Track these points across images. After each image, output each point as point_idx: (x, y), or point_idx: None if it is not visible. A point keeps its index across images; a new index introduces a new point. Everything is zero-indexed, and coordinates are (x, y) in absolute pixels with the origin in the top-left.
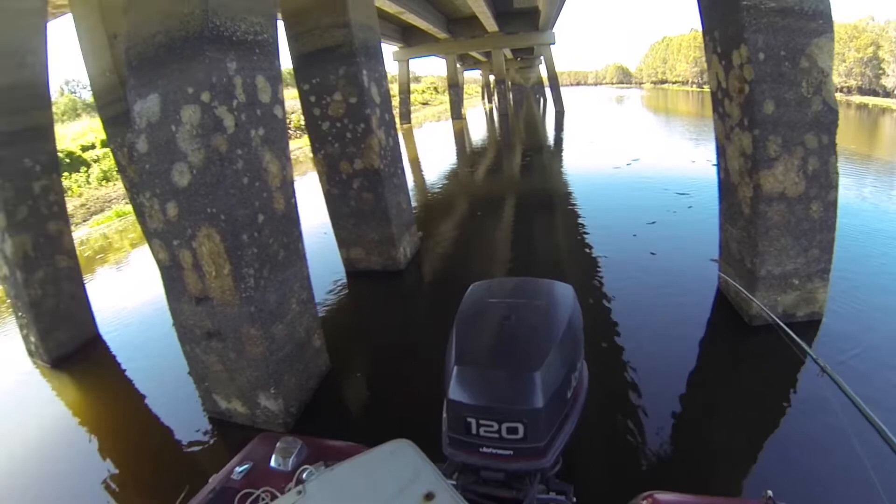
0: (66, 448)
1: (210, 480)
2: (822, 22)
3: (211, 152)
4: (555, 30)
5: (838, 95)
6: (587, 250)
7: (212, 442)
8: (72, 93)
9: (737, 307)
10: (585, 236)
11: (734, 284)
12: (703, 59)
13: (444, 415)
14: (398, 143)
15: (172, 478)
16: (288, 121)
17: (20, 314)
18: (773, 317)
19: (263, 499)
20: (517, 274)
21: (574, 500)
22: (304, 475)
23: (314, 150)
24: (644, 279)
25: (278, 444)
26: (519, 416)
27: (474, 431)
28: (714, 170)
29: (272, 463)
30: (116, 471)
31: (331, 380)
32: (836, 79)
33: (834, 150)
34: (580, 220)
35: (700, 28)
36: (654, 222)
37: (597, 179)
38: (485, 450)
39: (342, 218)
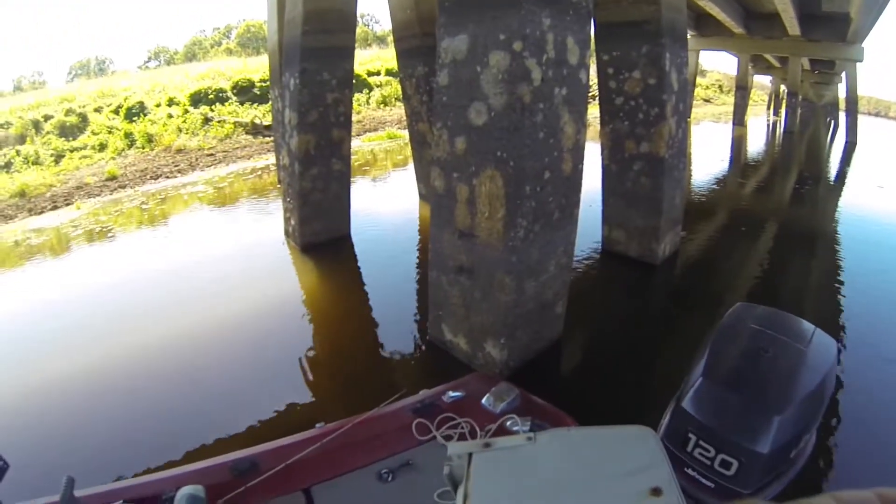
0: (291, 320)
1: (420, 393)
2: None
3: (514, 100)
4: (864, 45)
5: None
6: (844, 305)
7: (423, 364)
8: (365, 25)
9: None
10: (847, 289)
11: None
12: None
13: (665, 420)
14: (686, 135)
15: (377, 375)
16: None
17: (288, 199)
18: None
19: (462, 427)
20: (768, 304)
21: None
22: (509, 423)
23: (602, 121)
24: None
25: (496, 387)
26: (741, 453)
27: (689, 449)
28: None
29: (483, 401)
30: (327, 354)
31: (558, 348)
32: None
33: None
34: (846, 269)
35: None
36: None
37: (877, 231)
38: (689, 471)
39: (614, 196)
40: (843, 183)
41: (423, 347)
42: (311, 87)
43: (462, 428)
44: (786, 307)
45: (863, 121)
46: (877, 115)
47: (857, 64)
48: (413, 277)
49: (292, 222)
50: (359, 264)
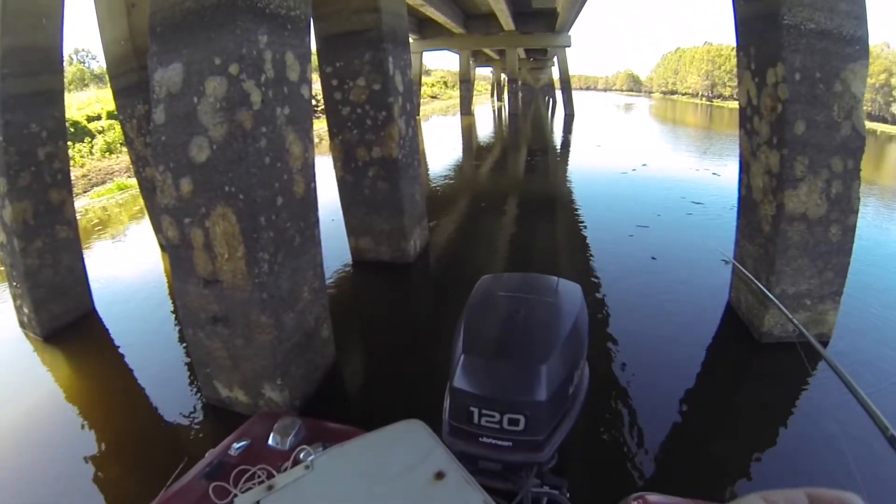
0: (54, 424)
1: (207, 455)
2: (858, 47)
3: (234, 128)
4: (570, 33)
5: None
6: (589, 250)
7: (208, 428)
8: (81, 62)
9: (747, 322)
10: (587, 236)
11: (747, 298)
12: (714, 72)
13: (447, 403)
14: (416, 133)
15: (164, 457)
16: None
17: (14, 284)
18: (792, 318)
19: (259, 476)
20: (520, 269)
21: (567, 495)
22: (302, 455)
23: (331, 134)
24: (646, 283)
25: (277, 424)
26: (521, 407)
27: (476, 421)
28: (717, 180)
29: (270, 441)
30: (106, 447)
31: (336, 372)
32: None
33: (858, 176)
34: (583, 221)
35: (713, 42)
36: (647, 226)
37: (603, 182)
38: (484, 440)
39: (354, 206)
40: (568, 149)
41: (207, 411)
42: (18, 143)
43: (259, 476)
44: (537, 267)
45: (577, 95)
46: (587, 89)
47: (567, 49)
48: (174, 339)
49: (25, 310)
50: (114, 340)
